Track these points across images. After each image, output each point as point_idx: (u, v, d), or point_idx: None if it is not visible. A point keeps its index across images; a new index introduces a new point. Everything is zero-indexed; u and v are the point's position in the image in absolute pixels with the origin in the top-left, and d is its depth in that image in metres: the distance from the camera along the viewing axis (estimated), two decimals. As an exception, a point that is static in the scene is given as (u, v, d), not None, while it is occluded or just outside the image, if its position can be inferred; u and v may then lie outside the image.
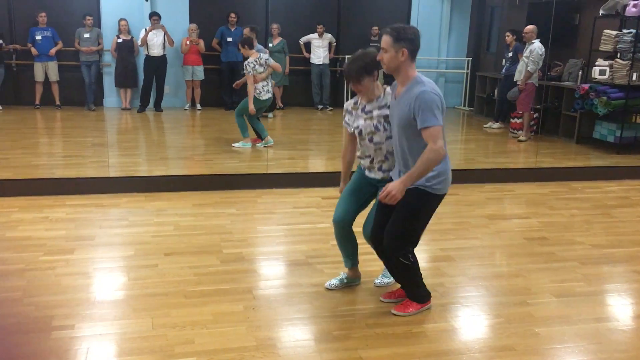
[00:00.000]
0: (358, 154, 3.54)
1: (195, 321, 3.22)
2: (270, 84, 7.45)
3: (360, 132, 3.41)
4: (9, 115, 9.56)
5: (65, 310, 3.29)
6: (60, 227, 4.64)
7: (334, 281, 3.72)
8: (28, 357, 2.82)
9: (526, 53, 8.56)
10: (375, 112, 3.37)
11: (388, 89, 3.40)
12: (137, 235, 4.53)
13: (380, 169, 3.45)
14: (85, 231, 4.57)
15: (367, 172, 3.52)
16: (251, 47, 7.25)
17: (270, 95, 7.43)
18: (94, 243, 4.35)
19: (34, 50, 9.85)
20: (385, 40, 3.07)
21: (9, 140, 7.76)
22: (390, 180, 3.30)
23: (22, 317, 3.20)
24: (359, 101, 3.47)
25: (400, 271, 3.35)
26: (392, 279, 3.72)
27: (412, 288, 3.42)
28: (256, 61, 7.23)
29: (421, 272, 3.42)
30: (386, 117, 3.33)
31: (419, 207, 3.18)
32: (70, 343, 2.97)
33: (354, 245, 3.65)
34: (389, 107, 3.32)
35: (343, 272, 3.75)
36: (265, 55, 7.37)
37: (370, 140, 3.39)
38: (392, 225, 3.20)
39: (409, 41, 3.05)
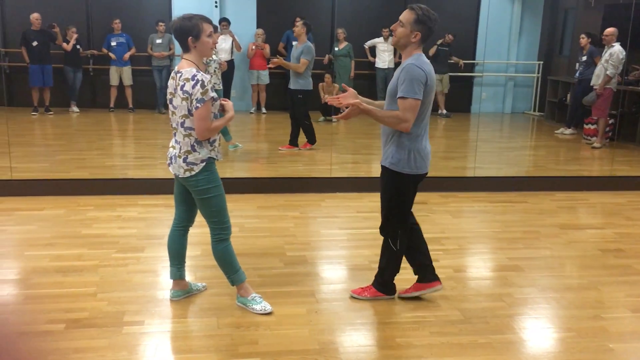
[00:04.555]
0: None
1: (259, 322, 3.26)
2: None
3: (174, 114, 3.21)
4: (85, 118, 10.02)
5: (136, 306, 3.40)
6: (132, 226, 4.81)
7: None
8: (102, 350, 2.93)
9: (606, 56, 8.23)
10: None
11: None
12: (204, 236, 4.61)
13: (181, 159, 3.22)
14: (155, 230, 4.72)
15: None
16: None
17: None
18: (164, 242, 4.44)
19: (111, 55, 10.29)
20: (407, 16, 3.14)
21: (86, 142, 8.14)
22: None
23: (96, 311, 3.33)
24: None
25: (386, 252, 3.49)
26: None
27: (383, 273, 3.53)
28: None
29: (414, 269, 3.58)
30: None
31: (394, 187, 3.32)
32: (141, 338, 3.08)
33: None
34: None
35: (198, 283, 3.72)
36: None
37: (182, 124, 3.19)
38: (381, 209, 3.44)
39: (427, 28, 3.15)
